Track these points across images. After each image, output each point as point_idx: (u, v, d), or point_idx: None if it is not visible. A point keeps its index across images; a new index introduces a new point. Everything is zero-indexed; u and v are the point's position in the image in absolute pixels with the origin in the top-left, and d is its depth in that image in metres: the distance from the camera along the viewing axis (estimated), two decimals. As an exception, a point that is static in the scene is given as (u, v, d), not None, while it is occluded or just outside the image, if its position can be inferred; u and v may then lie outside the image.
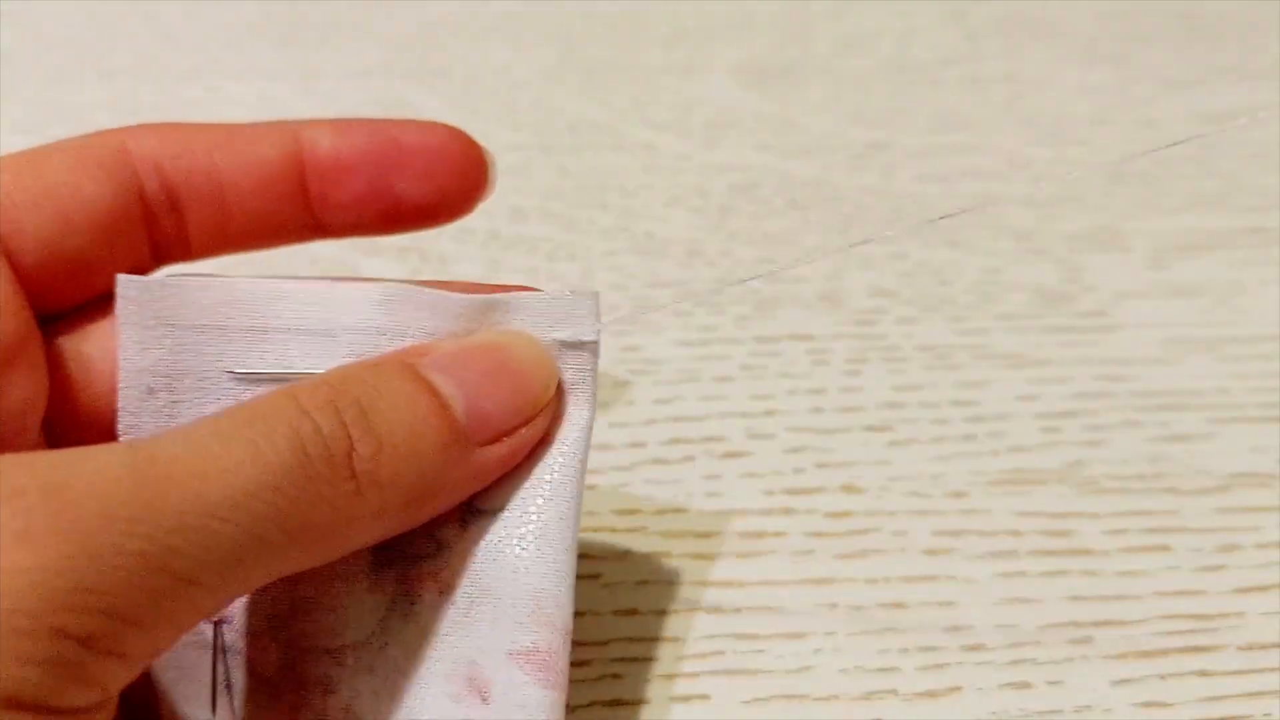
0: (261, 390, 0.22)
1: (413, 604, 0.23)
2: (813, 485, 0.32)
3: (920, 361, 0.36)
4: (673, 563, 0.30)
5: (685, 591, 0.29)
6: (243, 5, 0.55)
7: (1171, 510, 0.32)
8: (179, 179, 0.24)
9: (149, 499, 0.17)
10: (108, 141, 0.24)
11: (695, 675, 0.28)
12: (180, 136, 0.24)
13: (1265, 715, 0.27)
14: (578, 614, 0.29)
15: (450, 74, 0.51)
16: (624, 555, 0.30)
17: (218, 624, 0.23)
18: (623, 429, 0.34)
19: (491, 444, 0.22)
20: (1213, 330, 0.38)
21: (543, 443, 0.23)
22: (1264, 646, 0.28)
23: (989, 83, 0.51)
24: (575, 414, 0.23)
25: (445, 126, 0.25)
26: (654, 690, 0.28)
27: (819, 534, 0.31)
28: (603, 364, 0.37)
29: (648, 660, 0.28)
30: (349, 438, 0.20)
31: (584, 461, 0.23)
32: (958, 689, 0.28)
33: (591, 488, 0.32)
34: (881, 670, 0.28)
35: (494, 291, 0.23)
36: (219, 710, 0.23)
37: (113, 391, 0.23)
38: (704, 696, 0.27)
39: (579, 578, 0.30)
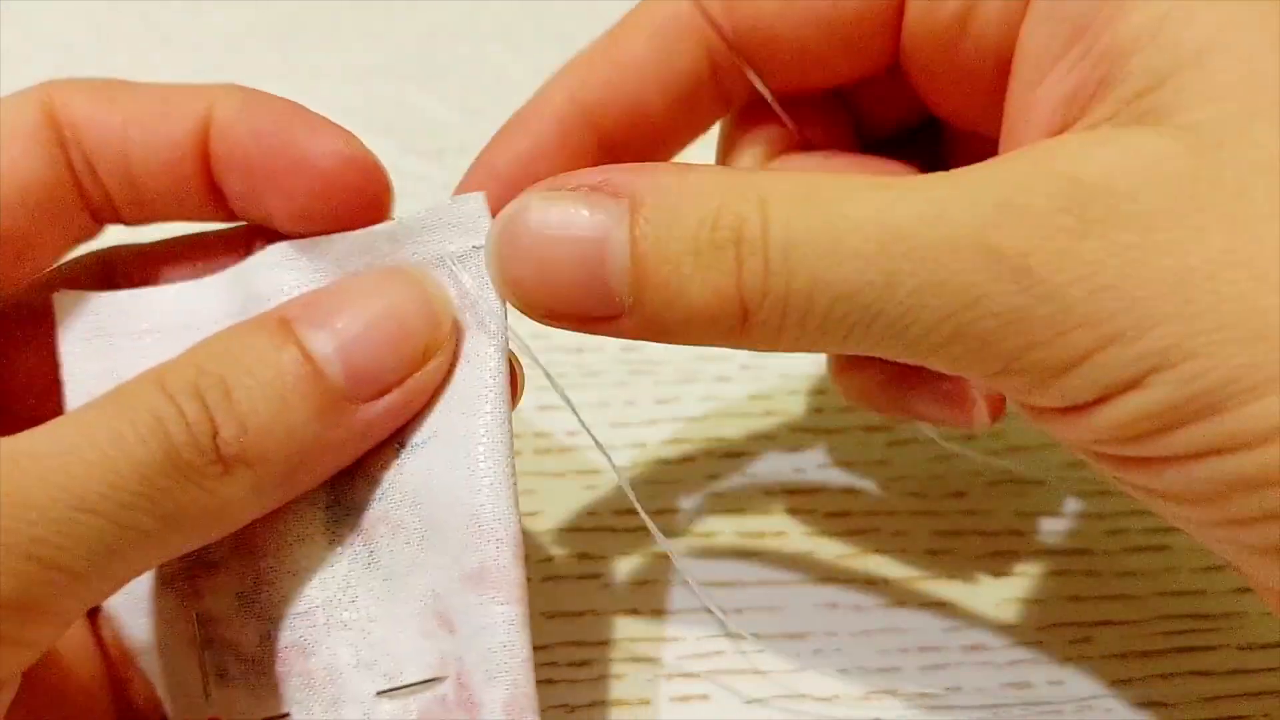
0: None
1: (371, 551, 0.23)
2: (813, 485, 0.32)
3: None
4: (673, 563, 0.30)
5: (685, 592, 0.29)
6: (242, 6, 0.55)
7: (1171, 510, 0.32)
8: (96, 153, 0.23)
9: (11, 493, 0.18)
10: (33, 102, 0.23)
11: (695, 675, 0.28)
12: (105, 101, 0.23)
13: (1264, 715, 0.27)
14: (578, 614, 0.29)
15: (450, 75, 0.51)
16: (624, 555, 0.30)
17: (199, 616, 0.23)
18: (623, 429, 0.34)
19: (378, 398, 0.22)
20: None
21: (456, 362, 0.23)
22: (1263, 646, 0.28)
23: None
24: (486, 322, 0.23)
25: (345, 146, 0.23)
26: (654, 690, 0.28)
27: (819, 534, 0.31)
28: (603, 364, 0.37)
29: (648, 660, 0.28)
30: (212, 421, 0.20)
31: (502, 368, 0.22)
32: (958, 689, 0.28)
33: (591, 488, 0.32)
34: (881, 670, 0.28)
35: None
36: (212, 697, 0.23)
37: (37, 386, 0.23)
38: (704, 696, 0.27)
39: (579, 577, 0.30)
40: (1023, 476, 0.32)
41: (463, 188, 0.26)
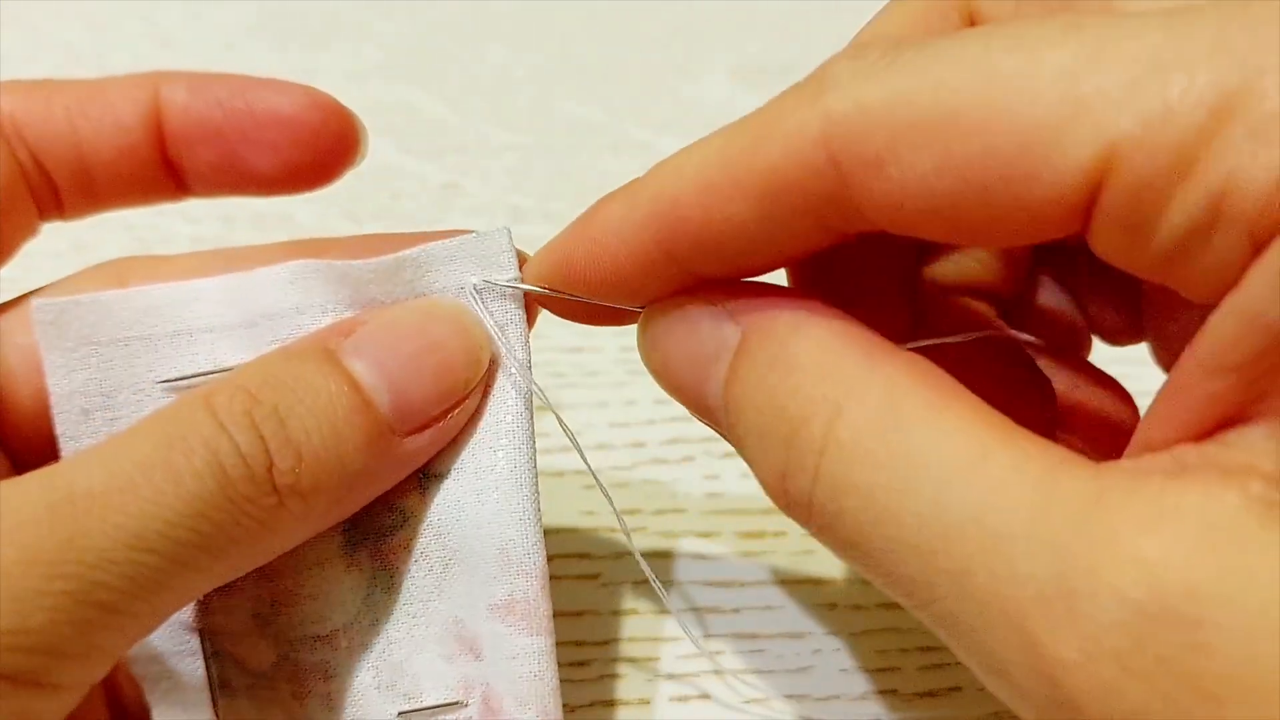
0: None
1: (391, 576, 0.23)
2: (812, 485, 0.32)
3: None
4: (673, 563, 0.30)
5: (685, 591, 0.29)
6: (241, 6, 0.55)
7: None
8: (42, 145, 0.23)
9: (69, 537, 0.17)
10: None
11: (695, 675, 0.28)
12: (41, 97, 0.23)
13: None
14: (578, 614, 0.29)
15: (449, 75, 0.51)
16: (624, 555, 0.30)
17: (201, 632, 0.23)
18: (623, 429, 0.34)
19: (421, 431, 0.22)
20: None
21: (484, 394, 0.23)
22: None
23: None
24: (512, 356, 0.23)
25: (307, 94, 0.24)
26: (654, 690, 0.28)
27: (819, 534, 0.31)
28: (603, 364, 0.37)
29: (648, 660, 0.28)
30: (267, 452, 0.19)
31: (529, 403, 0.23)
32: (958, 689, 0.28)
33: (591, 487, 0.32)
34: (882, 670, 0.28)
35: (416, 241, 0.23)
36: (221, 710, 0.23)
37: (30, 391, 0.23)
38: (704, 696, 0.27)
39: (579, 577, 0.30)
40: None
41: (531, 270, 0.23)
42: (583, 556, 0.30)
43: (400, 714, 0.23)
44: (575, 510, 0.32)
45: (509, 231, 0.23)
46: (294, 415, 0.20)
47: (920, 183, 0.16)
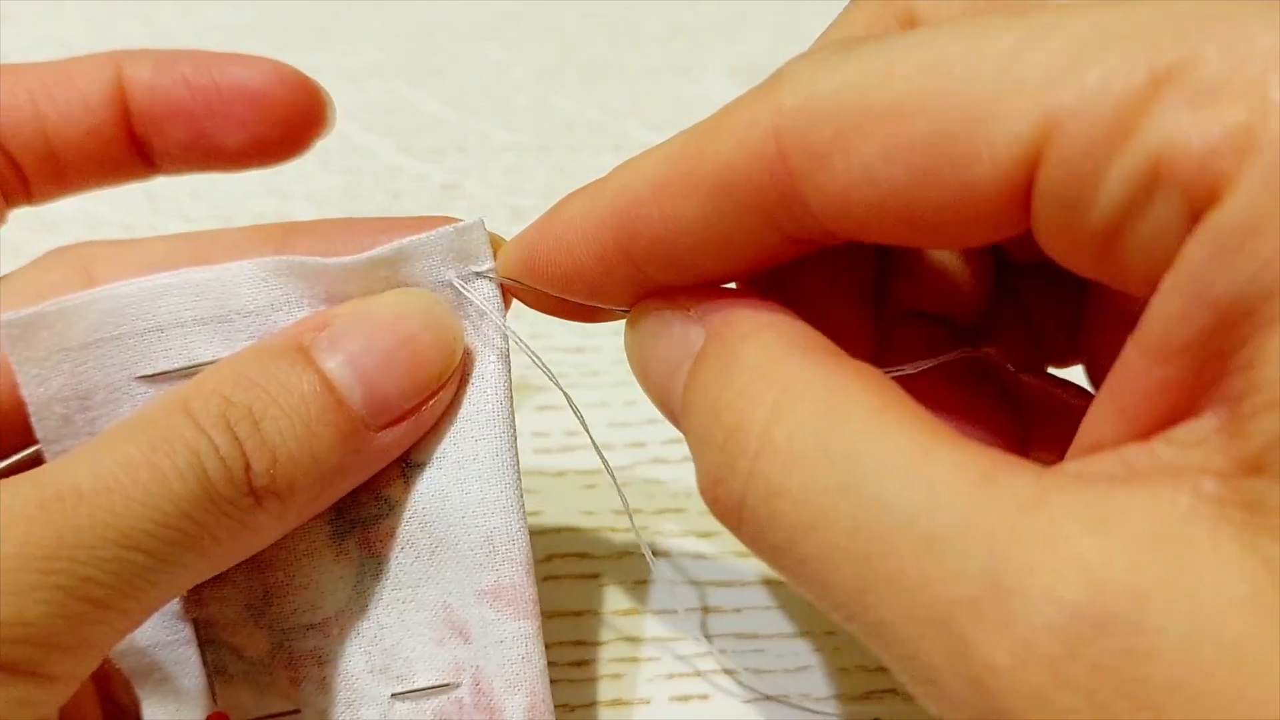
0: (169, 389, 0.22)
1: (380, 564, 0.23)
2: (812, 485, 0.32)
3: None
4: (673, 563, 0.30)
5: (685, 591, 0.29)
6: (240, 6, 0.55)
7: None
8: (6, 131, 0.23)
9: (60, 534, 0.18)
10: None
11: (695, 675, 0.28)
12: (3, 83, 0.23)
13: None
14: (578, 614, 0.29)
15: (448, 74, 0.51)
16: (624, 555, 0.30)
17: (196, 622, 0.23)
18: (623, 429, 0.34)
19: (395, 425, 0.22)
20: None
21: (462, 384, 0.23)
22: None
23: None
24: (491, 345, 0.23)
25: (273, 67, 0.24)
26: (654, 690, 0.28)
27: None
28: (603, 364, 0.37)
29: (648, 660, 0.28)
30: (244, 454, 0.20)
31: (509, 391, 0.23)
32: (958, 688, 0.28)
33: (591, 487, 0.32)
34: (882, 670, 0.28)
35: (398, 228, 0.23)
36: (218, 695, 0.23)
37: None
38: (704, 696, 0.27)
39: (579, 577, 0.30)
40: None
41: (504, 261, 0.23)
42: (583, 556, 0.30)
43: (393, 695, 0.23)
44: (575, 510, 0.32)
45: (483, 222, 0.23)
46: (268, 417, 0.20)
47: (865, 173, 0.16)
